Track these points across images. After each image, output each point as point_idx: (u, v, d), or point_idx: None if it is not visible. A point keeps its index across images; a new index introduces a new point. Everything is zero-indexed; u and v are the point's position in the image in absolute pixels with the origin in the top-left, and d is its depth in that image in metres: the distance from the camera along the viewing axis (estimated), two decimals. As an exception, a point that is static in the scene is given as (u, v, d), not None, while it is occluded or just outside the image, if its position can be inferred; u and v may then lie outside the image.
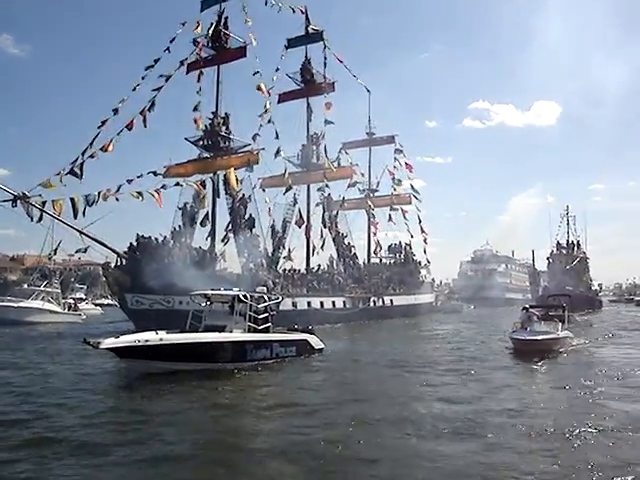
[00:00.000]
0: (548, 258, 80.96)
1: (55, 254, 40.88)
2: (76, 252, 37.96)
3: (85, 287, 65.09)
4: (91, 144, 38.09)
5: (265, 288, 25.55)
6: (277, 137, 46.27)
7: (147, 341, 17.68)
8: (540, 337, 23.14)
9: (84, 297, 69.93)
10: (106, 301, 79.07)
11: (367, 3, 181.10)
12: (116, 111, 39.74)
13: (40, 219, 34.08)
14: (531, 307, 27.56)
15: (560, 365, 21.37)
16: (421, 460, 9.83)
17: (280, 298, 25.97)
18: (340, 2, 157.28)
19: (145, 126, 40.05)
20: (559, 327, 24.84)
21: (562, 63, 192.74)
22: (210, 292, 21.38)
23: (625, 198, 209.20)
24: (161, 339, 18.09)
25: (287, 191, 49.21)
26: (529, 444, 10.63)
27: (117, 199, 36.53)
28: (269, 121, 45.62)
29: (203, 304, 21.74)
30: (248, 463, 9.71)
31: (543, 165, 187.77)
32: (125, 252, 37.94)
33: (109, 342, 17.13)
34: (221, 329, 19.77)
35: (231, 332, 19.79)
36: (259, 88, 44.62)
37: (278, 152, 46.52)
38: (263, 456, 9.99)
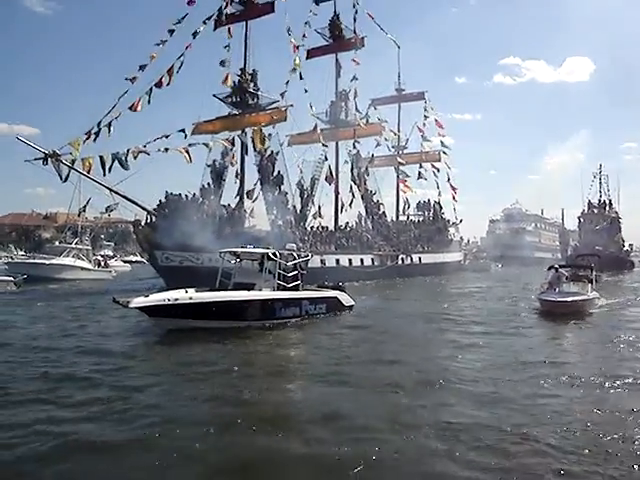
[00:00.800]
0: (579, 217, 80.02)
1: (85, 211, 41.23)
2: (106, 209, 38.32)
3: (113, 244, 65.76)
4: (118, 102, 37.93)
5: (294, 245, 25.29)
6: (306, 92, 46.21)
7: (176, 300, 17.77)
8: (570, 298, 22.58)
9: (112, 254, 70.49)
10: (134, 258, 79.82)
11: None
12: (143, 67, 39.45)
13: (67, 178, 34.28)
14: (560, 267, 26.45)
15: (590, 325, 20.90)
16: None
17: (310, 256, 25.93)
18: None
19: (169, 84, 39.74)
20: (588, 288, 24.21)
21: (595, 17, 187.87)
22: (239, 250, 21.35)
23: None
24: (190, 297, 18.16)
25: (323, 146, 49.00)
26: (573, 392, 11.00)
27: (148, 153, 36.38)
28: (300, 77, 45.37)
29: (232, 262, 21.74)
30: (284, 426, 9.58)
31: (575, 123, 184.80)
32: (155, 209, 38.15)
33: (138, 301, 17.22)
34: (250, 287, 19.72)
35: (260, 290, 19.74)
36: (292, 44, 44.47)
37: (310, 107, 46.36)
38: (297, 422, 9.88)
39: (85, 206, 40.56)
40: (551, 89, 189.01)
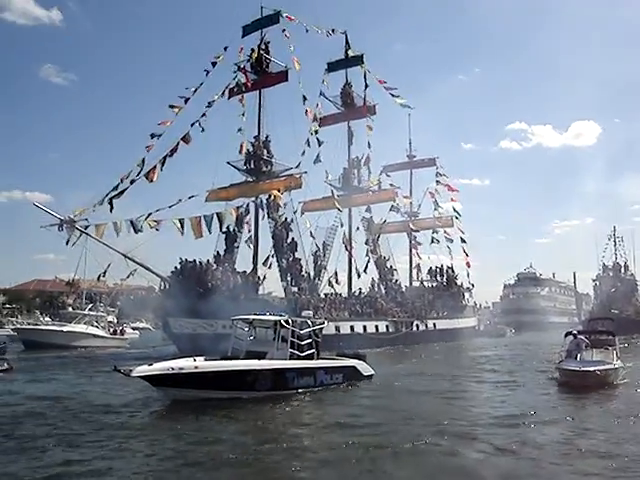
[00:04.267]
0: (594, 280, 79.50)
1: (104, 277, 41.26)
2: (128, 276, 38.12)
3: (117, 310, 65.64)
4: (138, 172, 38.39)
5: (311, 313, 24.78)
6: (319, 161, 46.96)
7: (182, 369, 17.16)
8: (592, 368, 20.36)
9: (116, 320, 70.12)
10: (141, 325, 79.30)
11: (401, 29, 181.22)
12: (159, 136, 40.06)
13: (74, 243, 34.59)
14: (579, 333, 24.26)
15: (617, 399, 18.99)
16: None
17: (325, 323, 25.53)
18: (375, 28, 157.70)
19: (187, 142, 40.35)
20: (613, 356, 22.23)
21: (601, 80, 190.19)
22: (252, 317, 20.87)
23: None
24: (196, 367, 17.54)
25: (338, 211, 49.52)
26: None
27: (157, 229, 36.76)
28: (319, 144, 46.04)
29: (245, 329, 21.27)
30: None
31: (583, 186, 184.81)
32: (169, 276, 38.15)
33: (141, 370, 16.59)
34: (262, 355, 19.17)
35: (273, 359, 19.15)
36: (308, 112, 45.32)
37: (326, 175, 47.31)
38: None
39: (105, 272, 40.57)
40: (558, 153, 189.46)
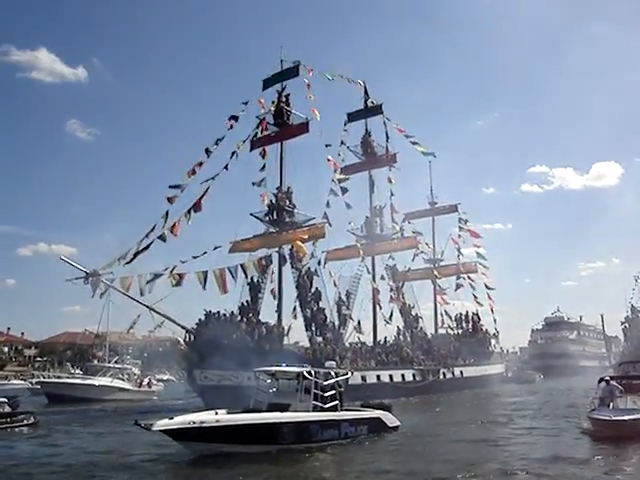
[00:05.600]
0: (622, 323, 78.50)
1: (133, 329, 41.29)
2: (155, 328, 38.04)
3: (140, 362, 65.51)
4: (163, 225, 38.75)
5: (334, 363, 24.50)
6: (348, 207, 47.71)
7: (202, 422, 16.91)
8: (627, 417, 18.89)
9: (139, 372, 70.09)
10: (165, 377, 79.15)
11: (418, 77, 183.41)
12: (182, 188, 40.52)
13: (102, 295, 34.92)
14: (611, 378, 22.41)
15: None
16: None
17: (350, 374, 25.24)
18: (393, 77, 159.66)
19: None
20: None
21: (620, 122, 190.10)
22: (274, 369, 20.59)
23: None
24: (217, 420, 17.28)
25: (362, 260, 49.89)
26: None
27: (179, 284, 37.05)
28: (343, 192, 46.45)
29: (268, 381, 21.12)
30: None
31: (606, 227, 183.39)
32: (194, 328, 38.20)
33: (162, 424, 16.43)
34: (285, 408, 18.86)
35: (296, 411, 18.89)
36: (331, 162, 45.87)
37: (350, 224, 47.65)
38: None
39: (134, 324, 40.62)
40: (580, 195, 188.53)
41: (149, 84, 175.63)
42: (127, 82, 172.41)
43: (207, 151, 42.34)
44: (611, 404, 20.46)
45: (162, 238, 38.16)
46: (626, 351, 71.84)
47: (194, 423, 16.83)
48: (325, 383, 20.15)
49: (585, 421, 21.38)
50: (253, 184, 44.32)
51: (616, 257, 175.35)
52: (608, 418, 18.98)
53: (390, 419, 22.25)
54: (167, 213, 38.97)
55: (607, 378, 22.19)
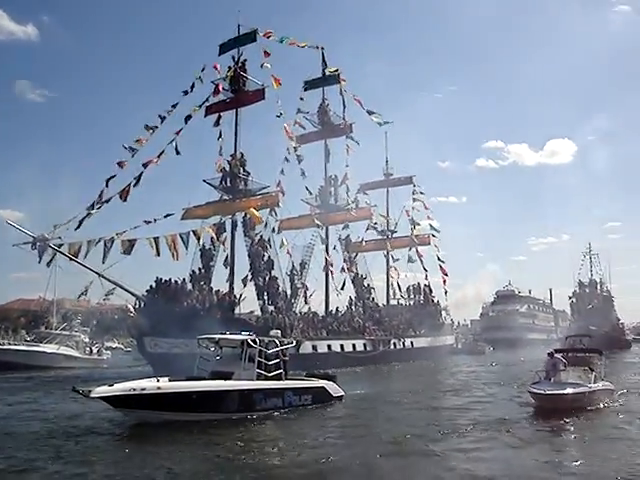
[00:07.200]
0: (570, 297, 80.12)
1: (85, 296, 40.42)
2: (107, 295, 37.40)
3: (89, 329, 64.48)
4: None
5: (279, 332, 24.16)
6: (305, 175, 47.46)
7: (143, 389, 16.61)
8: (567, 390, 19.02)
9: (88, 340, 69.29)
10: (113, 345, 78.30)
11: (377, 48, 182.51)
12: (133, 151, 39.99)
13: (50, 262, 34.30)
14: (556, 352, 22.44)
15: (592, 425, 17.33)
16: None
17: (294, 342, 25.07)
18: (352, 47, 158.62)
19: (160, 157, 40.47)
20: (592, 377, 20.31)
21: (576, 100, 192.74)
22: (218, 336, 20.34)
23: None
24: (159, 387, 16.97)
25: (318, 228, 50.38)
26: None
27: (129, 252, 36.46)
28: (299, 161, 46.19)
29: (212, 348, 20.90)
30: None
31: (558, 203, 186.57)
32: (144, 295, 37.78)
33: (101, 391, 16.12)
34: (229, 376, 18.62)
35: (239, 379, 18.64)
36: (286, 131, 45.48)
37: (309, 192, 48.34)
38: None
39: (86, 291, 39.71)
40: (533, 171, 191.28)
41: (103, 45, 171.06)
42: (80, 42, 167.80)
43: (160, 117, 41.81)
44: (553, 378, 20.53)
45: (108, 201, 37.81)
46: (573, 325, 73.49)
47: (134, 390, 16.50)
48: (269, 352, 19.99)
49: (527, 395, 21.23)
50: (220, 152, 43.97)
51: (566, 233, 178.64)
52: (543, 392, 19.13)
53: (334, 389, 22.18)
54: (114, 177, 38.66)
55: (551, 351, 22.35)
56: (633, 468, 11.92)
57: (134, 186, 39.47)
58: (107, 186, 38.67)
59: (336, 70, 52.79)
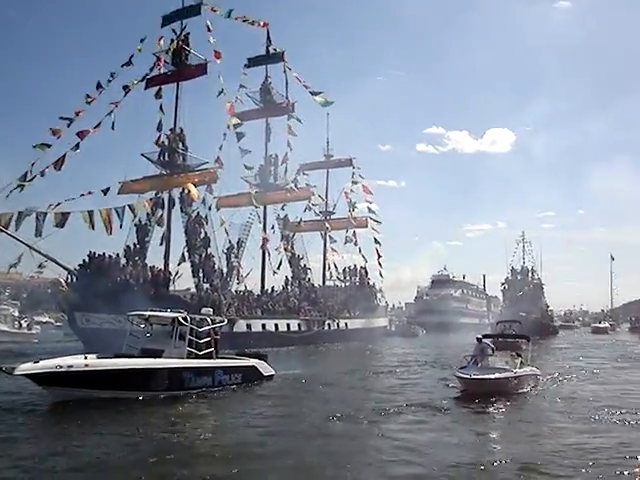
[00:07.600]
0: (503, 283, 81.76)
1: (15, 268, 39.20)
2: (39, 267, 36.41)
3: (19, 303, 62.73)
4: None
5: (211, 310, 24.14)
6: (248, 152, 46.78)
7: (70, 367, 16.21)
8: (491, 375, 19.28)
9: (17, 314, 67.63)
10: (44, 319, 76.63)
11: (322, 31, 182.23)
12: (70, 121, 39.11)
13: None
14: (484, 337, 22.81)
15: (512, 410, 17.52)
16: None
17: (226, 321, 24.94)
18: (297, 27, 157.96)
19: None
20: (517, 362, 20.73)
21: (516, 91, 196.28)
22: (148, 313, 20.02)
23: (575, 226, 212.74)
24: (86, 365, 16.65)
25: (255, 208, 50.12)
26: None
27: (62, 225, 35.65)
28: (238, 139, 45.46)
29: (142, 326, 20.53)
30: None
31: (495, 191, 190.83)
32: (76, 269, 37.07)
33: (25, 367, 15.71)
34: (159, 353, 18.48)
35: (169, 357, 18.52)
36: (227, 107, 45.15)
37: (248, 169, 47.51)
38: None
39: (15, 264, 38.55)
40: (472, 159, 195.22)
41: (41, 12, 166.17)
42: (16, 9, 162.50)
43: (99, 86, 40.90)
44: (480, 363, 20.67)
45: (43, 174, 36.93)
46: (504, 311, 75.06)
47: (60, 367, 16.12)
48: (201, 330, 19.88)
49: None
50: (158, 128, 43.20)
51: (501, 221, 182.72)
52: (469, 376, 19.33)
53: (265, 368, 22.25)
54: (49, 146, 37.77)
55: (479, 337, 22.55)
56: (556, 449, 12.28)
57: (69, 156, 38.60)
58: (35, 148, 37.70)
59: (280, 50, 52.46)
